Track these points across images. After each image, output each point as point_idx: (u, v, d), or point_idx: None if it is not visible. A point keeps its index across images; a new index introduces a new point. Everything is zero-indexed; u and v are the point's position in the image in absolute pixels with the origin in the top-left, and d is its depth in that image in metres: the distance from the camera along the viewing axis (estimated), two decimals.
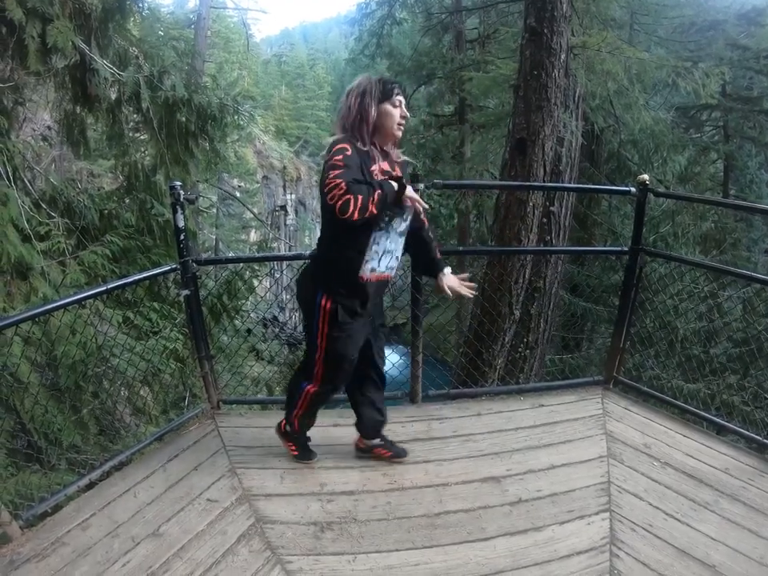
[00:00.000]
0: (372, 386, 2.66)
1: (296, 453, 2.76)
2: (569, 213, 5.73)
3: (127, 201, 5.58)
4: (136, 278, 3.24)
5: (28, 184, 4.85)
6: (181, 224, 2.85)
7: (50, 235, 4.66)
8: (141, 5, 5.46)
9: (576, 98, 5.84)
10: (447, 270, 2.53)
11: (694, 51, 9.61)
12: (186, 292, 2.95)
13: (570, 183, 5.64)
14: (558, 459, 2.76)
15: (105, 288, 2.82)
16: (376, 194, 2.04)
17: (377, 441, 2.76)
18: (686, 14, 10.23)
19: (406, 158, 2.49)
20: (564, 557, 2.15)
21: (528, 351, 5.67)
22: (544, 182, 5.29)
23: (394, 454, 2.76)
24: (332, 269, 2.33)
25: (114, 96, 5.15)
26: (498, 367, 5.50)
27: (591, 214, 9.32)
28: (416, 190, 2.56)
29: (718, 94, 9.01)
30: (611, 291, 8.57)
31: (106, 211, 5.26)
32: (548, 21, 5.00)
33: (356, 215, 2.00)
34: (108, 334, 3.98)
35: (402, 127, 2.31)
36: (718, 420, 3.23)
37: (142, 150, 6.12)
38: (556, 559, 2.14)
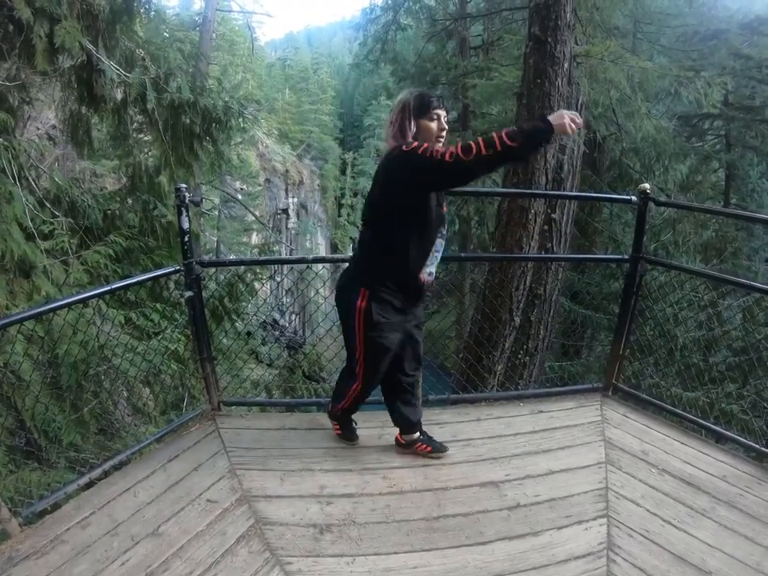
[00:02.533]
0: (400, 387, 2.74)
1: (339, 432, 2.91)
2: (570, 220, 5.74)
3: (130, 201, 5.59)
4: (140, 278, 3.25)
5: (32, 182, 4.86)
6: (185, 226, 2.86)
7: (53, 234, 4.68)
8: (148, 6, 5.47)
9: (579, 106, 5.85)
10: None
11: (697, 60, 9.62)
12: (189, 293, 2.96)
13: (571, 191, 5.65)
14: (556, 465, 2.77)
15: (109, 288, 2.84)
16: (507, 131, 2.05)
17: (416, 436, 2.83)
18: (688, 23, 10.26)
19: None
20: (561, 561, 2.16)
21: (528, 358, 5.68)
22: (546, 189, 5.31)
23: (434, 449, 2.82)
24: (386, 265, 2.39)
25: (119, 97, 5.17)
26: (497, 373, 5.51)
27: (592, 221, 9.34)
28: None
29: (720, 103, 9.01)
30: (611, 299, 8.59)
31: (110, 211, 5.28)
32: (552, 30, 5.04)
33: (483, 152, 2.04)
34: (110, 334, 3.98)
35: (441, 140, 2.34)
36: (716, 428, 3.23)
37: (146, 151, 6.13)
38: (554, 564, 2.15)
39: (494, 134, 2.03)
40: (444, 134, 2.34)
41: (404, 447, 2.86)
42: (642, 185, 3.24)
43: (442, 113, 2.33)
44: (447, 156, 2.08)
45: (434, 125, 2.31)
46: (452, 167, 2.10)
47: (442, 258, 2.56)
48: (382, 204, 2.38)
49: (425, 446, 2.82)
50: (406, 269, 2.37)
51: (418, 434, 2.82)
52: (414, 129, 2.29)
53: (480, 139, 2.05)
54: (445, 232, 2.47)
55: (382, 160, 2.39)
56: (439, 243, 2.42)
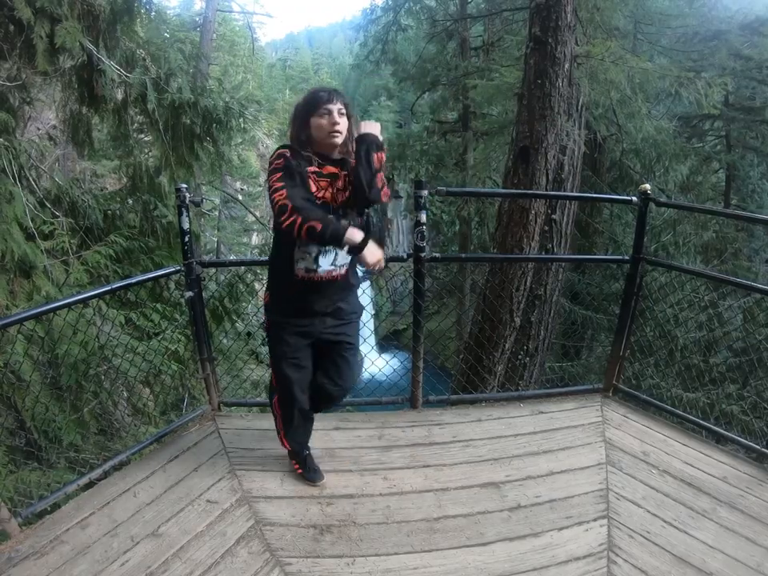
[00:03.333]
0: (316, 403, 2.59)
1: (299, 471, 2.68)
2: (570, 221, 5.75)
3: (130, 202, 5.59)
4: (140, 278, 3.25)
5: (33, 183, 4.86)
6: (186, 226, 2.86)
7: (53, 234, 4.68)
8: (149, 7, 5.46)
9: (579, 107, 5.86)
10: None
11: (697, 61, 9.62)
12: (190, 294, 2.96)
13: (572, 191, 5.65)
14: (557, 466, 2.77)
15: (109, 288, 2.84)
16: (308, 224, 2.05)
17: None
18: (689, 23, 10.25)
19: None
20: (562, 562, 2.17)
21: (528, 358, 5.68)
22: (547, 190, 5.31)
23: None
24: (271, 268, 2.44)
25: (120, 97, 5.17)
26: (498, 374, 5.51)
27: (593, 222, 9.34)
28: (420, 197, 2.56)
29: (721, 104, 9.00)
30: (611, 300, 8.59)
31: (110, 211, 5.28)
32: (552, 30, 5.05)
33: (284, 225, 2.06)
34: (110, 334, 3.98)
35: (335, 134, 2.23)
36: (717, 429, 3.23)
37: (146, 151, 6.14)
38: (554, 565, 2.15)
39: (297, 222, 2.04)
40: (337, 128, 2.21)
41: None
42: (643, 185, 3.24)
43: (335, 107, 2.21)
44: (280, 191, 2.09)
45: (323, 120, 2.20)
46: (273, 201, 2.09)
47: (443, 258, 2.50)
48: None
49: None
50: (279, 267, 2.35)
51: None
52: (302, 128, 2.24)
53: (290, 218, 2.05)
54: None
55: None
56: None
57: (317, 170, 2.22)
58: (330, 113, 2.20)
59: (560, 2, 5.04)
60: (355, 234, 2.11)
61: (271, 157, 2.22)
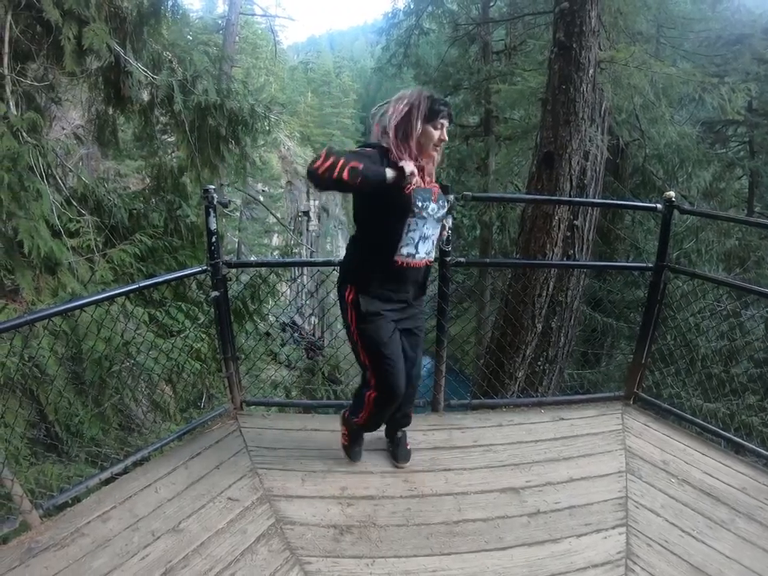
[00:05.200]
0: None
1: (345, 442, 2.77)
2: (593, 227, 5.72)
3: (154, 201, 5.65)
4: (167, 277, 3.31)
5: (59, 181, 4.94)
6: (213, 227, 2.89)
7: (79, 232, 4.74)
8: (175, 9, 5.53)
9: (602, 112, 5.84)
10: None
11: (721, 65, 9.51)
12: (215, 294, 2.99)
13: (594, 197, 5.63)
14: (576, 472, 2.76)
15: (137, 286, 2.89)
16: (350, 165, 2.04)
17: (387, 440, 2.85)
18: (712, 27, 10.13)
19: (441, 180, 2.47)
20: (580, 569, 2.16)
21: (548, 365, 5.66)
22: (570, 196, 5.29)
23: (394, 456, 2.80)
24: (364, 256, 2.37)
25: (146, 98, 5.24)
26: (519, 379, 5.50)
27: (614, 228, 9.27)
28: (446, 202, 2.57)
29: (744, 110, 8.90)
30: (632, 307, 8.51)
31: (135, 211, 5.34)
32: (577, 36, 5.04)
33: (319, 171, 2.02)
34: (136, 332, 4.03)
35: (438, 149, 2.31)
36: (736, 439, 3.19)
37: (170, 152, 6.20)
38: (572, 571, 2.15)
39: (339, 164, 2.02)
40: (442, 145, 2.31)
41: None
42: (668, 192, 3.21)
43: (446, 122, 2.28)
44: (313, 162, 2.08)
45: (436, 133, 2.26)
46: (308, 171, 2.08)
47: (467, 263, 2.51)
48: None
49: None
50: (378, 254, 2.33)
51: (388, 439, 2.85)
52: (419, 131, 2.23)
53: (325, 162, 2.02)
54: (423, 212, 2.30)
55: None
56: (415, 223, 2.29)
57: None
58: (443, 127, 2.27)
59: (584, 7, 5.03)
60: (393, 168, 2.17)
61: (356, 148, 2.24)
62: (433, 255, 2.46)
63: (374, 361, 2.42)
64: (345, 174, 2.02)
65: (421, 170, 2.32)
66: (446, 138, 2.29)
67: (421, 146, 2.27)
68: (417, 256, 2.35)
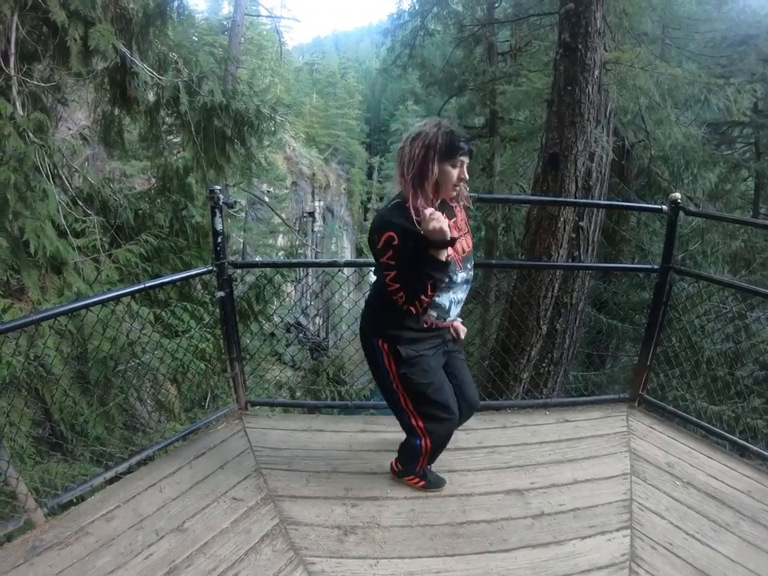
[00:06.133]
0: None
1: (422, 484, 2.62)
2: (598, 229, 5.71)
3: (160, 202, 5.66)
4: (173, 277, 3.32)
5: (66, 181, 4.95)
6: (219, 227, 2.90)
7: (85, 232, 4.76)
8: (181, 10, 5.54)
9: (607, 113, 5.82)
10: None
11: (726, 66, 9.49)
12: (221, 294, 3.00)
13: (599, 199, 5.62)
14: (581, 474, 2.76)
15: (143, 286, 2.89)
16: (429, 286, 2.03)
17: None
18: (717, 28, 10.10)
19: (468, 203, 2.31)
20: (584, 571, 2.16)
21: (552, 366, 5.65)
22: (575, 197, 5.29)
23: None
24: (394, 316, 2.20)
25: (152, 99, 5.25)
26: (523, 381, 5.50)
27: (620, 230, 9.25)
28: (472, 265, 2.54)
29: (750, 111, 8.86)
30: (637, 309, 8.49)
31: (141, 211, 5.36)
32: (582, 36, 5.02)
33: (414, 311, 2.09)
34: (141, 332, 4.04)
35: (457, 189, 2.12)
36: (742, 442, 3.18)
37: (176, 152, 6.22)
38: (576, 573, 2.15)
39: (423, 297, 2.05)
40: (462, 184, 2.13)
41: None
42: (673, 194, 3.20)
43: (466, 160, 2.08)
44: (399, 294, 2.08)
45: (455, 172, 2.06)
46: (398, 300, 2.09)
47: (473, 265, 2.45)
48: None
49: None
50: (406, 316, 2.17)
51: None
52: (436, 172, 2.03)
53: (416, 303, 2.07)
54: (454, 277, 2.21)
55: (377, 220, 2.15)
56: (442, 291, 2.20)
57: None
58: (463, 165, 2.09)
59: (590, 8, 5.02)
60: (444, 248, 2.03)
61: (377, 235, 2.05)
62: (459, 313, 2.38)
63: (422, 400, 2.31)
64: (430, 292, 2.05)
65: (441, 208, 2.13)
66: (467, 177, 2.11)
67: (439, 187, 2.08)
68: (447, 319, 2.29)
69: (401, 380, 2.27)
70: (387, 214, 2.09)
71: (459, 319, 2.40)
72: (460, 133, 2.08)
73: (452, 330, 2.40)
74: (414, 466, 2.55)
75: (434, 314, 2.23)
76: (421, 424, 2.35)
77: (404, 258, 2.02)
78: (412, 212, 2.02)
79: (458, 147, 2.03)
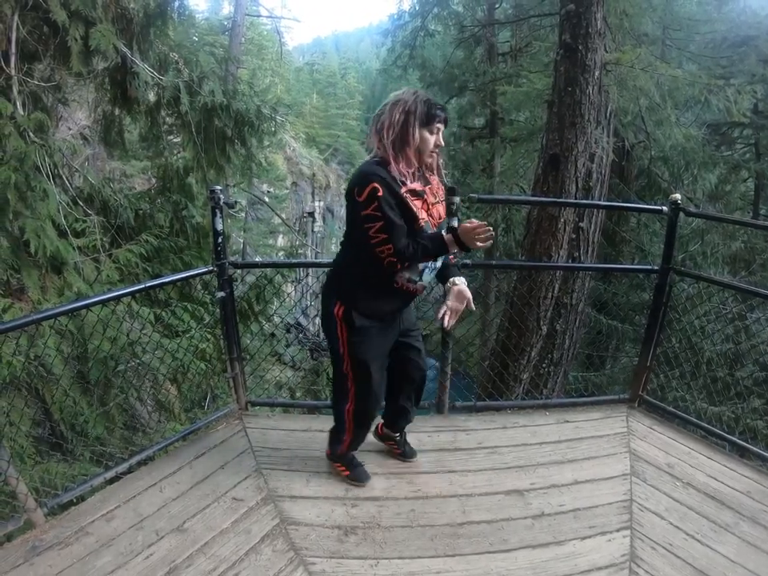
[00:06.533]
0: (406, 391, 2.65)
1: (347, 473, 2.69)
2: (598, 229, 5.72)
3: (159, 202, 5.66)
4: (174, 277, 3.32)
5: (66, 181, 4.95)
6: (219, 227, 2.90)
7: (85, 232, 4.76)
8: (182, 10, 5.55)
9: (608, 114, 5.83)
10: (460, 279, 2.37)
11: (726, 67, 9.51)
12: (221, 294, 3.00)
13: (599, 199, 5.62)
14: (581, 475, 2.76)
15: (144, 286, 2.90)
16: (424, 257, 2.15)
17: (396, 435, 2.83)
18: (717, 29, 10.13)
19: (444, 179, 2.38)
20: (584, 572, 2.15)
21: (552, 367, 5.66)
22: (576, 198, 5.29)
23: (403, 453, 2.83)
24: (361, 276, 2.28)
25: (153, 99, 5.25)
26: (523, 381, 5.51)
27: (620, 230, 9.25)
28: (452, 204, 2.56)
29: (750, 112, 8.87)
30: (637, 309, 8.49)
31: (141, 211, 5.36)
32: (583, 37, 5.03)
33: (399, 267, 2.13)
34: (142, 332, 4.04)
35: (434, 155, 2.21)
36: (741, 443, 3.18)
37: (176, 152, 6.22)
38: (576, 574, 2.14)
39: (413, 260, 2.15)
40: (438, 150, 2.21)
41: (379, 438, 2.89)
42: (673, 195, 3.20)
43: (442, 126, 2.18)
44: (386, 245, 2.11)
45: (432, 138, 2.15)
46: (383, 254, 2.13)
47: (474, 265, 2.48)
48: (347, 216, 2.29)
49: (397, 447, 2.83)
50: (378, 276, 2.24)
51: (398, 434, 2.84)
52: (417, 138, 2.12)
53: (405, 264, 2.15)
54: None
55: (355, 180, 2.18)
56: None
57: (411, 188, 2.15)
58: (439, 131, 2.18)
59: (590, 9, 5.02)
60: (451, 241, 2.14)
61: (359, 188, 2.09)
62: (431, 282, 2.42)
63: (358, 374, 2.40)
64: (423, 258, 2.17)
65: (418, 176, 2.24)
66: (442, 144, 2.20)
67: (416, 151, 2.16)
68: (418, 283, 2.31)
69: (348, 346, 2.35)
70: (370, 168, 2.13)
71: (462, 280, 2.38)
72: (436, 101, 2.18)
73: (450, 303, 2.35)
74: (338, 446, 2.66)
75: (407, 274, 2.26)
76: (352, 392, 2.45)
77: (391, 209, 2.09)
78: (395, 174, 2.10)
79: (436, 114, 2.13)
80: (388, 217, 2.07)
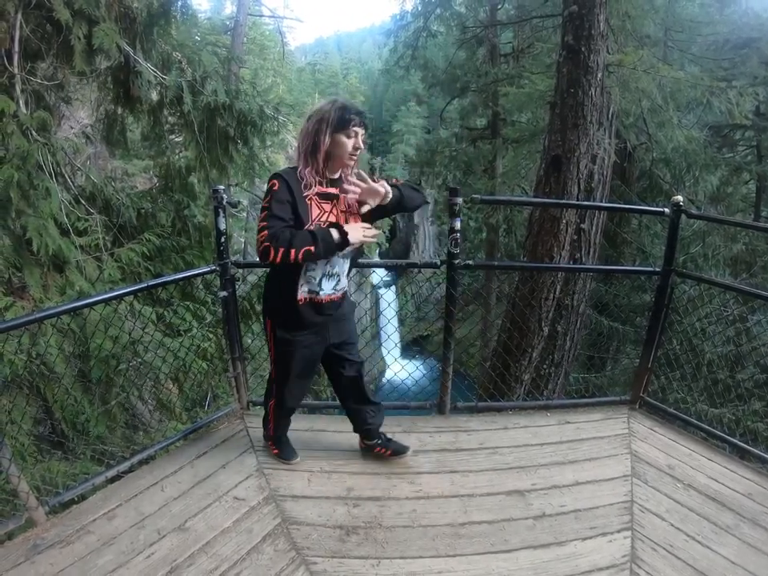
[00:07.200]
0: (350, 398, 2.73)
1: (276, 452, 2.86)
2: (599, 231, 5.71)
3: (161, 201, 5.66)
4: (176, 276, 3.32)
5: (68, 180, 4.96)
6: (222, 227, 2.91)
7: (87, 231, 4.76)
8: (185, 10, 5.55)
9: (610, 116, 5.82)
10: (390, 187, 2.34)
11: (728, 69, 9.48)
12: (224, 293, 3.00)
13: (602, 201, 5.62)
14: (582, 476, 2.76)
15: (146, 285, 2.89)
16: (303, 250, 2.10)
17: (374, 441, 2.84)
18: (719, 31, 10.10)
19: (361, 171, 2.40)
20: (585, 572, 2.16)
21: (553, 368, 5.66)
22: (578, 199, 5.29)
23: (393, 451, 2.84)
24: (272, 293, 2.45)
25: (155, 98, 5.25)
26: (524, 382, 5.50)
27: (621, 232, 9.25)
28: (454, 205, 2.56)
29: (752, 114, 8.87)
30: (639, 311, 8.49)
31: (143, 210, 5.36)
32: (585, 39, 5.02)
33: (277, 261, 2.11)
34: (144, 330, 4.04)
35: (354, 158, 2.28)
36: (742, 444, 3.18)
37: (178, 152, 6.22)
38: (577, 574, 2.15)
39: (292, 252, 2.10)
40: (358, 153, 2.28)
41: (365, 451, 2.91)
42: (675, 197, 3.19)
43: (361, 130, 2.25)
44: (262, 232, 2.12)
45: (350, 142, 2.23)
46: (258, 242, 2.13)
47: (476, 266, 2.47)
48: None
49: (382, 449, 2.85)
50: (280, 293, 2.37)
51: (377, 439, 2.85)
52: (327, 143, 2.21)
53: (281, 250, 2.09)
54: None
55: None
56: (314, 263, 2.29)
57: (321, 191, 2.26)
58: (357, 135, 2.25)
59: (593, 11, 5.01)
60: (337, 232, 2.17)
61: (266, 186, 2.25)
62: (345, 288, 2.49)
63: (280, 379, 2.59)
64: (300, 257, 2.12)
65: (333, 182, 2.32)
66: (362, 147, 2.27)
67: (334, 157, 2.26)
68: (321, 293, 2.36)
69: (275, 356, 2.55)
70: (280, 170, 2.28)
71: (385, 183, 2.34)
72: (353, 106, 2.27)
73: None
74: (267, 428, 2.86)
75: (306, 288, 2.32)
76: (276, 389, 2.65)
77: (280, 203, 2.17)
78: (303, 176, 2.22)
79: (349, 119, 2.21)
80: (271, 206, 2.16)
